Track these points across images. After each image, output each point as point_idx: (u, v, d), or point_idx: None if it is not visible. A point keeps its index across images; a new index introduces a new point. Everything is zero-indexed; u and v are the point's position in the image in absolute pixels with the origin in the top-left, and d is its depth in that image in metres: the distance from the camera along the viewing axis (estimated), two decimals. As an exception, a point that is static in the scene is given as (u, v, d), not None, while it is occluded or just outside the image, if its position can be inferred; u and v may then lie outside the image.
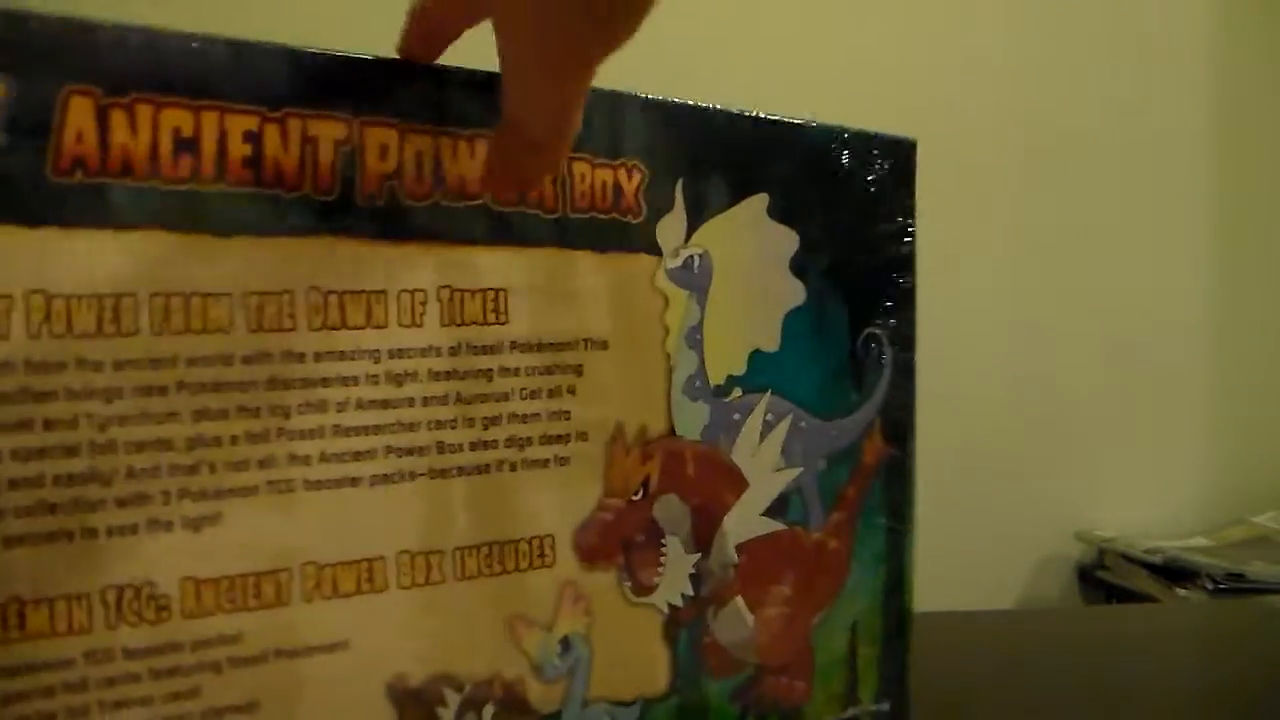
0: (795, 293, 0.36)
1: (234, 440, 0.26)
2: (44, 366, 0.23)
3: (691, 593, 0.34)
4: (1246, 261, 1.08)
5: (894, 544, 0.39)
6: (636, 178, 0.32)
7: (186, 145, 0.25)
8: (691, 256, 0.33)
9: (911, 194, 0.39)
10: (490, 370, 0.29)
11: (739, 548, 0.35)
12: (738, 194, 0.35)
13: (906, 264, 0.40)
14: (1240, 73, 1.06)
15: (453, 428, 0.29)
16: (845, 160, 0.38)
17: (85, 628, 0.24)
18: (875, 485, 0.39)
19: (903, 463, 0.40)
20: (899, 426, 0.39)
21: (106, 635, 0.24)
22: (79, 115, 0.23)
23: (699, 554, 0.34)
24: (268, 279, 0.26)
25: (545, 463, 0.31)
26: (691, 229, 0.34)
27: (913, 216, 0.39)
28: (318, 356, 0.27)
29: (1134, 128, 1.04)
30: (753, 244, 0.35)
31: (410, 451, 0.28)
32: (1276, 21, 1.08)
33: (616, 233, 0.32)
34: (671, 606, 0.33)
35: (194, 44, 0.25)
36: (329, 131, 0.27)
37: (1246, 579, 0.86)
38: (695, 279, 0.34)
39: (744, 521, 0.35)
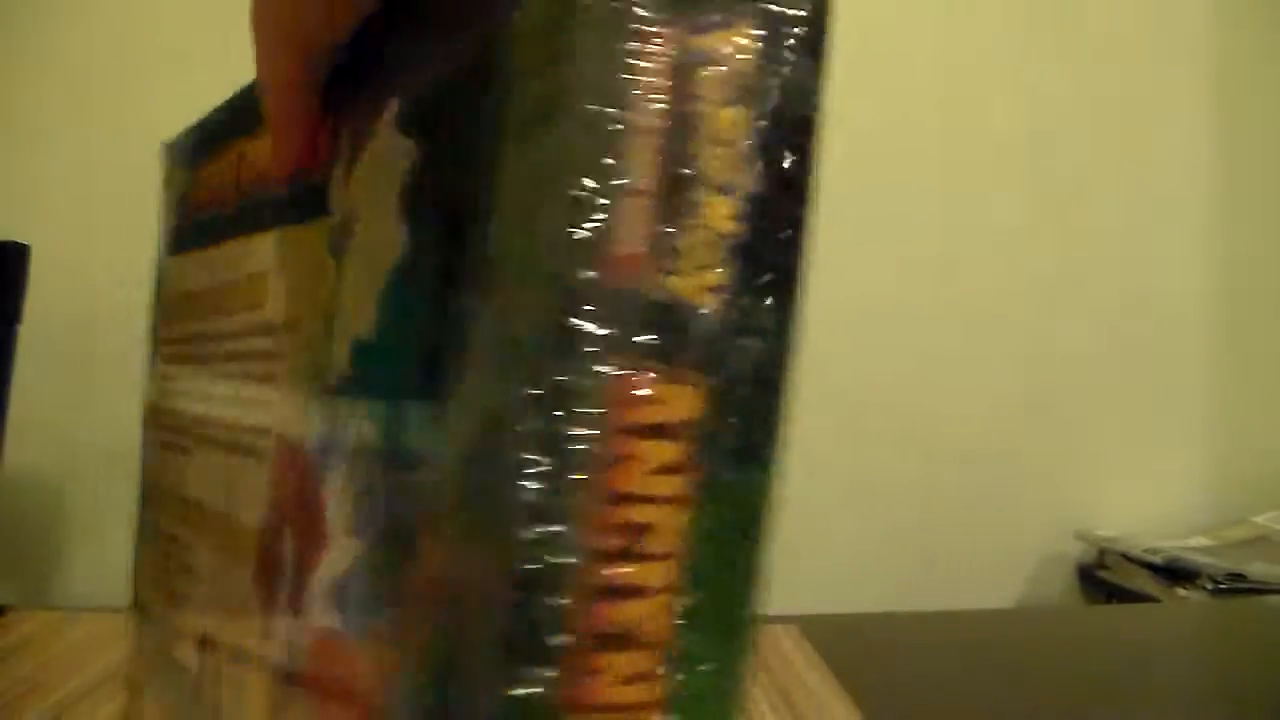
0: (396, 241, 0.21)
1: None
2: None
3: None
4: (1247, 260, 1.05)
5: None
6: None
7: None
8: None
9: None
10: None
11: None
12: (378, 105, 0.23)
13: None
14: (1241, 72, 1.04)
15: None
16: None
17: None
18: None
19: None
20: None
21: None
22: None
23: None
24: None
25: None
26: (351, 170, 0.23)
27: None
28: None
29: (1132, 126, 1.02)
30: (379, 175, 0.22)
31: None
32: (1276, 20, 1.05)
33: (294, 202, 0.26)
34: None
35: None
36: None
37: (1247, 579, 0.84)
38: (335, 241, 0.24)
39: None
